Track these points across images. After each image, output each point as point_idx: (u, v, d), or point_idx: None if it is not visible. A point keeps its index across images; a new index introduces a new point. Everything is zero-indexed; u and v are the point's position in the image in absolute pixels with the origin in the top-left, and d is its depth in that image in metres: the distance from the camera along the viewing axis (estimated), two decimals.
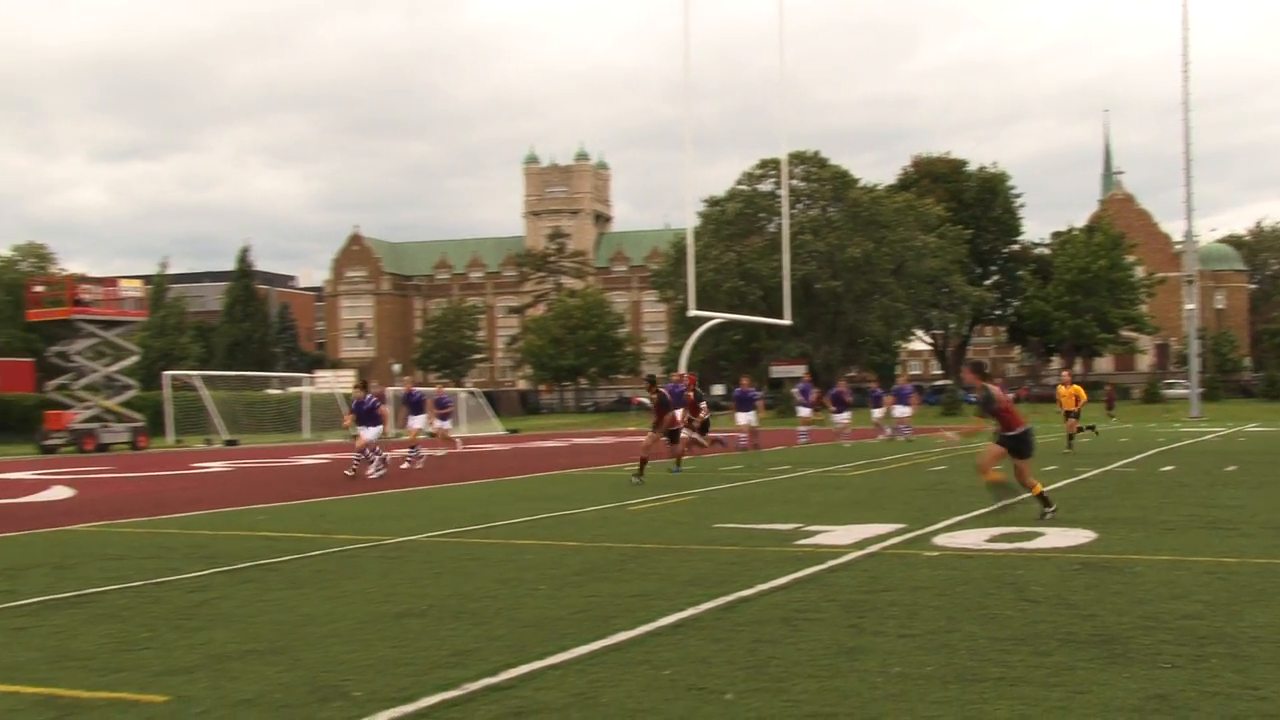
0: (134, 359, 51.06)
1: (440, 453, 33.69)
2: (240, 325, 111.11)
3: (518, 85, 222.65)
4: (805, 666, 6.80)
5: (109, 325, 49.09)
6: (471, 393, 71.73)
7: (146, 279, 67.34)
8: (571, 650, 7.29)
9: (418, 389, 30.61)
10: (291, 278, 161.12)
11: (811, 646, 7.32)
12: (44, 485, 25.30)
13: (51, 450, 44.52)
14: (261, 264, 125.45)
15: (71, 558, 12.42)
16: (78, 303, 47.90)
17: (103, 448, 45.28)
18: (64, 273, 78.83)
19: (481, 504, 18.03)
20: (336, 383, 63.62)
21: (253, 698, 6.33)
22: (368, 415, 24.78)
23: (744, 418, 34.11)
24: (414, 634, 7.96)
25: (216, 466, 31.51)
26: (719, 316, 37.95)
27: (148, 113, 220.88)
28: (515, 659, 7.07)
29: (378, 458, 24.60)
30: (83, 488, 24.22)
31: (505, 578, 10.39)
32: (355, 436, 25.36)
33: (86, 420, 46.73)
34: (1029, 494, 14.22)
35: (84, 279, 53.03)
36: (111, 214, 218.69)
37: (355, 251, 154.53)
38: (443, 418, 31.84)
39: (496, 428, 65.98)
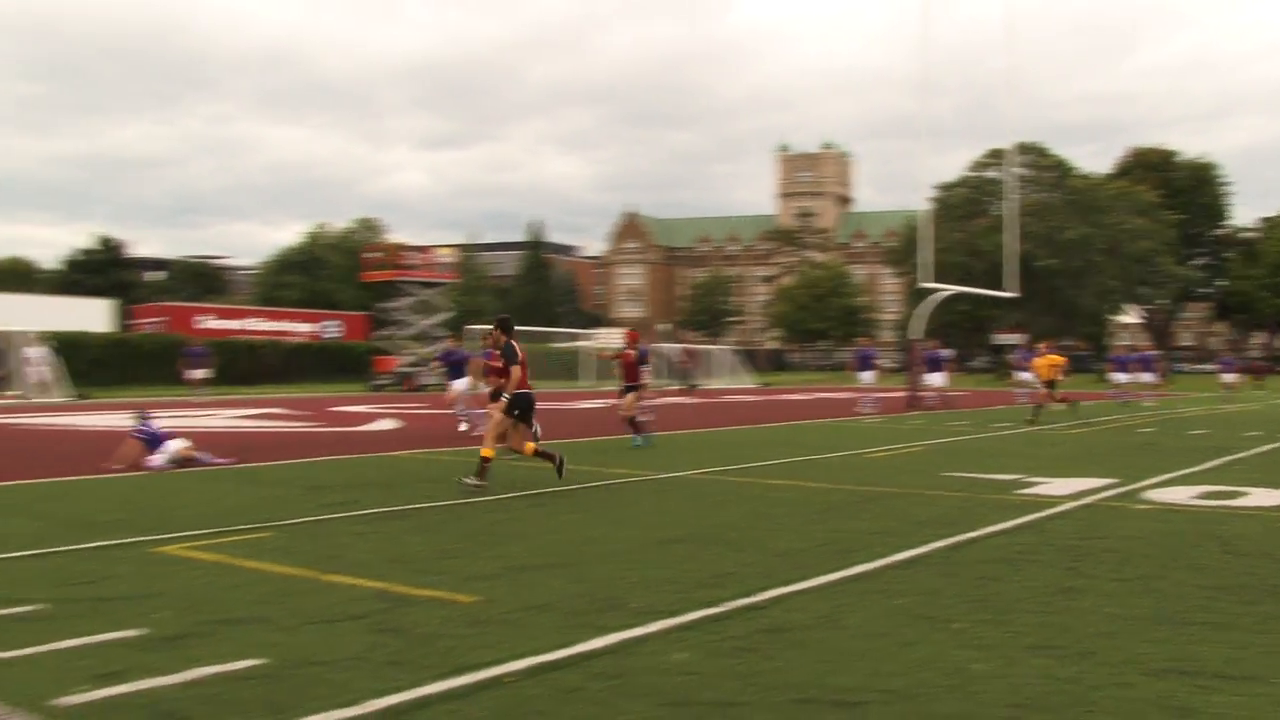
0: (445, 314, 53.05)
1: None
2: (531, 288, 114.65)
3: (775, 82, 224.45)
4: (1026, 603, 6.56)
5: (426, 286, 51.12)
6: (727, 350, 72.31)
7: (457, 247, 69.84)
8: (816, 578, 7.23)
9: (645, 346, 27.68)
10: (575, 248, 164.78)
11: (1032, 585, 7.05)
12: (374, 418, 26.64)
13: (379, 389, 46.78)
14: (551, 236, 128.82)
15: (400, 478, 13.01)
16: (402, 267, 50.06)
17: (420, 388, 47.32)
18: (392, 242, 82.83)
19: (737, 448, 17.98)
20: (611, 340, 64.75)
21: (545, 603, 6.51)
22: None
23: (934, 379, 32.69)
24: (679, 557, 8.02)
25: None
26: (948, 289, 36.70)
27: (461, 108, 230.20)
28: (767, 583, 7.05)
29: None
30: (405, 421, 25.43)
31: (758, 512, 10.37)
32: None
33: (408, 365, 48.86)
34: None
35: (407, 247, 55.19)
36: (429, 193, 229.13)
37: (629, 226, 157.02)
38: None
39: (749, 381, 66.30)
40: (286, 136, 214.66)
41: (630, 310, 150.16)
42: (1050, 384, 26.25)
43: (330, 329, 62.29)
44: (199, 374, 33.03)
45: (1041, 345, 28.25)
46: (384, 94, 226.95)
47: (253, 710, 4.58)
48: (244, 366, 49.67)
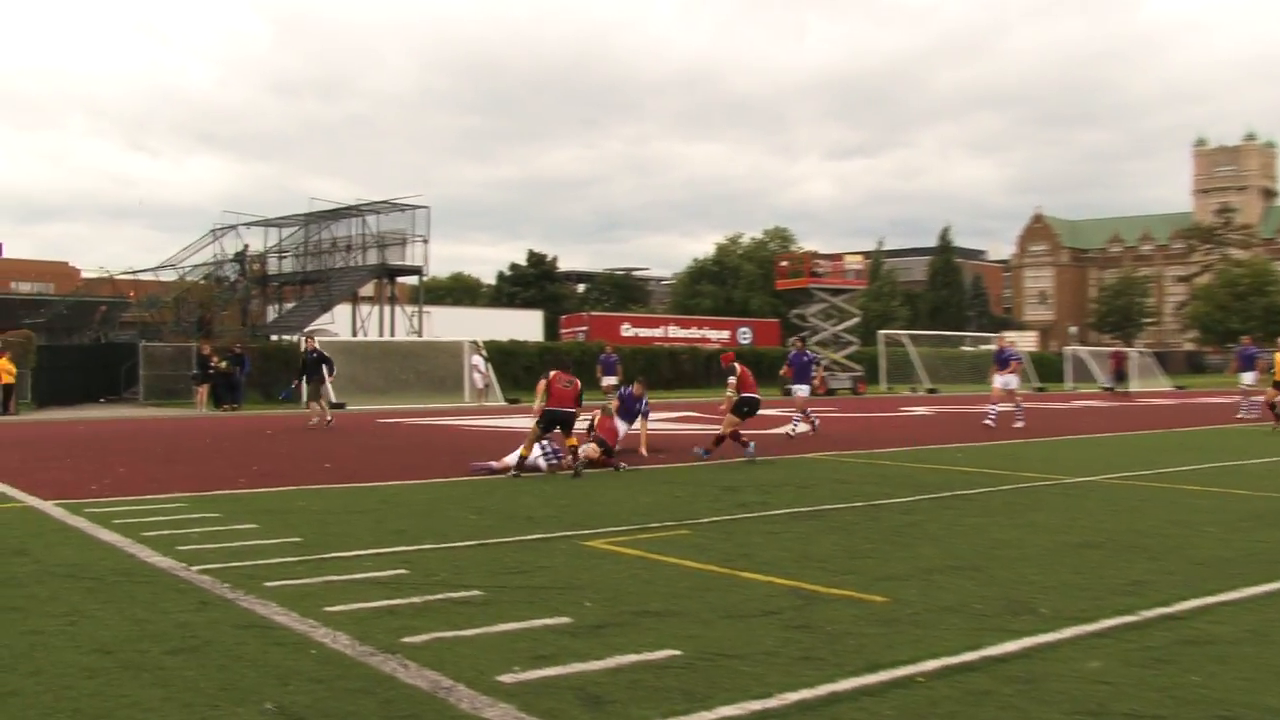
0: (855, 320, 52.82)
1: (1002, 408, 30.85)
2: (940, 292, 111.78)
3: (1189, 75, 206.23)
4: None
5: (836, 293, 51.18)
6: (1141, 352, 66.87)
7: (866, 254, 69.48)
8: (1243, 589, 6.62)
9: (1009, 348, 26.20)
10: (982, 252, 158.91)
11: None
12: (786, 420, 27.07)
13: (789, 393, 47.42)
14: (958, 240, 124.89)
15: (810, 479, 13.18)
16: (813, 274, 50.35)
17: (831, 392, 47.47)
18: (802, 250, 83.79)
19: (1151, 452, 16.87)
20: (1021, 342, 61.83)
21: (954, 605, 6.34)
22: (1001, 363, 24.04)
23: (1248, 377, 28.17)
24: (1093, 563, 7.59)
25: (920, 410, 31.95)
26: None
27: (869, 117, 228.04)
28: (1187, 592, 6.54)
29: (1001, 411, 23.14)
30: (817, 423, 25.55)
31: (1175, 519, 9.60)
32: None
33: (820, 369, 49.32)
34: None
35: (817, 255, 55.72)
36: (838, 202, 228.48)
37: (1037, 229, 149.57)
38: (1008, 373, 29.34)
39: (1165, 384, 61.03)
40: (702, 153, 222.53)
41: (1039, 314, 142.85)
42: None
43: (743, 335, 63.99)
44: (609, 381, 35.14)
45: None
46: (794, 107, 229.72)
47: (671, 697, 4.76)
48: (664, 372, 52.10)
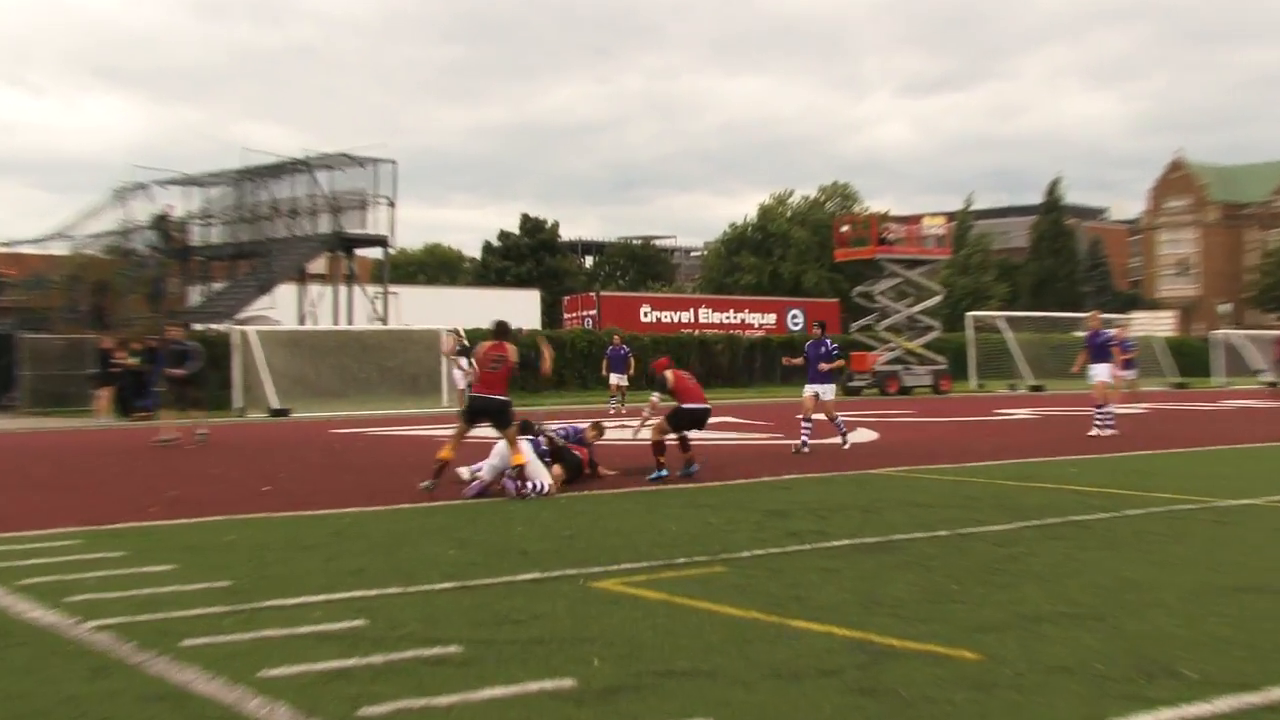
0: (937, 299, 52.75)
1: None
2: (1046, 262, 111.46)
3: None
4: None
5: (912, 264, 51.14)
6: None
7: (950, 215, 69.30)
8: None
9: (1105, 330, 25.51)
10: (1102, 210, 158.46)
11: None
12: (848, 427, 27.04)
13: (855, 392, 47.44)
14: (1070, 197, 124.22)
15: (878, 502, 13.13)
16: (882, 242, 50.30)
17: (905, 390, 47.49)
18: (868, 212, 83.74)
19: None
20: (1155, 325, 61.60)
21: (1069, 665, 6.26)
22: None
23: None
24: (1255, 612, 7.50)
25: (1021, 413, 31.83)
26: None
27: (956, 41, 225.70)
28: None
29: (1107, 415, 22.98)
30: (886, 430, 25.55)
31: None
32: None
33: (889, 362, 49.16)
34: None
35: (888, 217, 55.67)
36: (916, 149, 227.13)
37: (1176, 179, 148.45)
38: (1126, 365, 29.33)
39: None
40: (741, 89, 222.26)
41: (1177, 288, 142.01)
42: None
43: (792, 320, 64.02)
44: (617, 380, 35.25)
45: None
46: (860, 31, 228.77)
47: None
48: (694, 367, 52.12)
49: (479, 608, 7.80)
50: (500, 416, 14.51)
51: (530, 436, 15.12)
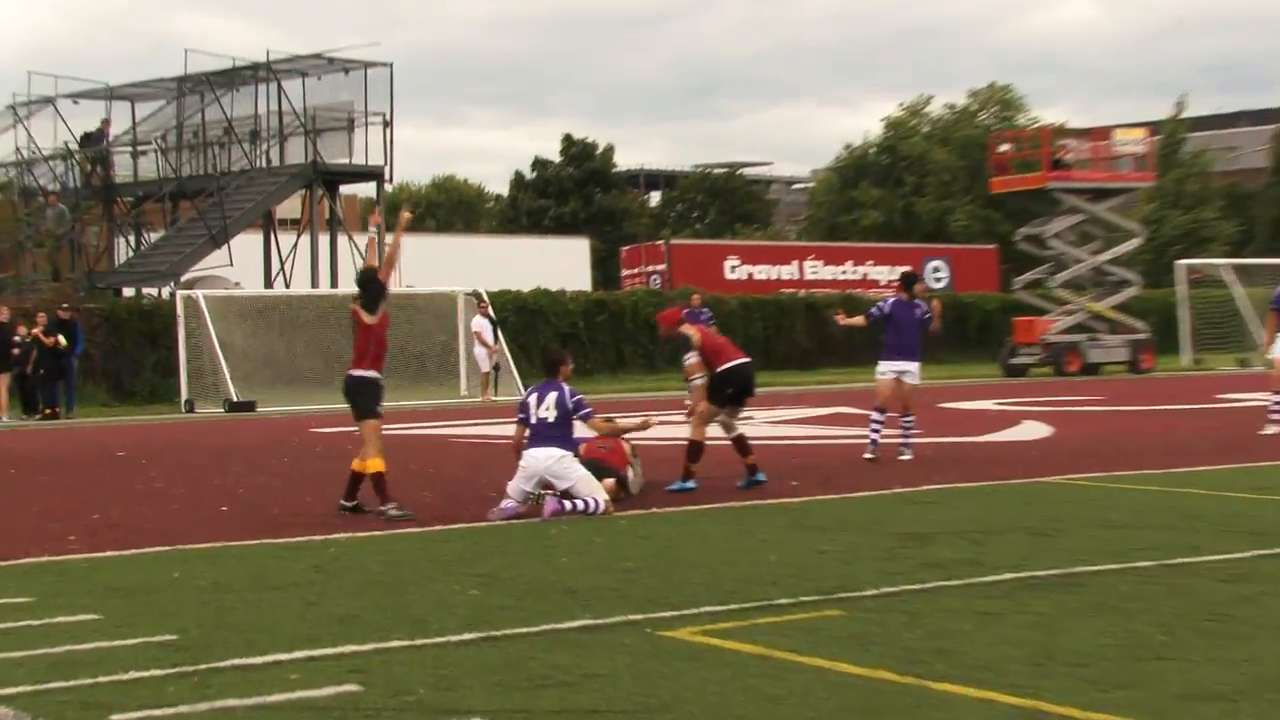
0: (1135, 243, 52.28)
1: None
2: None
3: None
4: None
5: (1099, 195, 50.66)
6: None
7: (1153, 127, 68.27)
8: None
9: None
10: None
11: None
12: (1011, 419, 26.87)
13: (1020, 371, 47.09)
14: None
15: (1051, 521, 13.09)
16: (1056, 165, 49.83)
17: (1090, 369, 47.14)
18: (1037, 125, 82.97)
19: None
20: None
21: None
22: None
23: None
24: None
25: (1256, 398, 31.48)
26: None
27: None
28: None
29: None
30: (1063, 424, 25.36)
31: None
32: None
33: (1067, 330, 48.75)
34: None
35: (1064, 131, 55.14)
36: (1104, 37, 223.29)
37: None
38: None
39: None
40: None
41: None
42: None
43: (933, 274, 63.73)
44: (692, 360, 34.06)
45: None
46: None
47: None
48: (799, 339, 51.98)
49: (509, 667, 7.81)
50: None
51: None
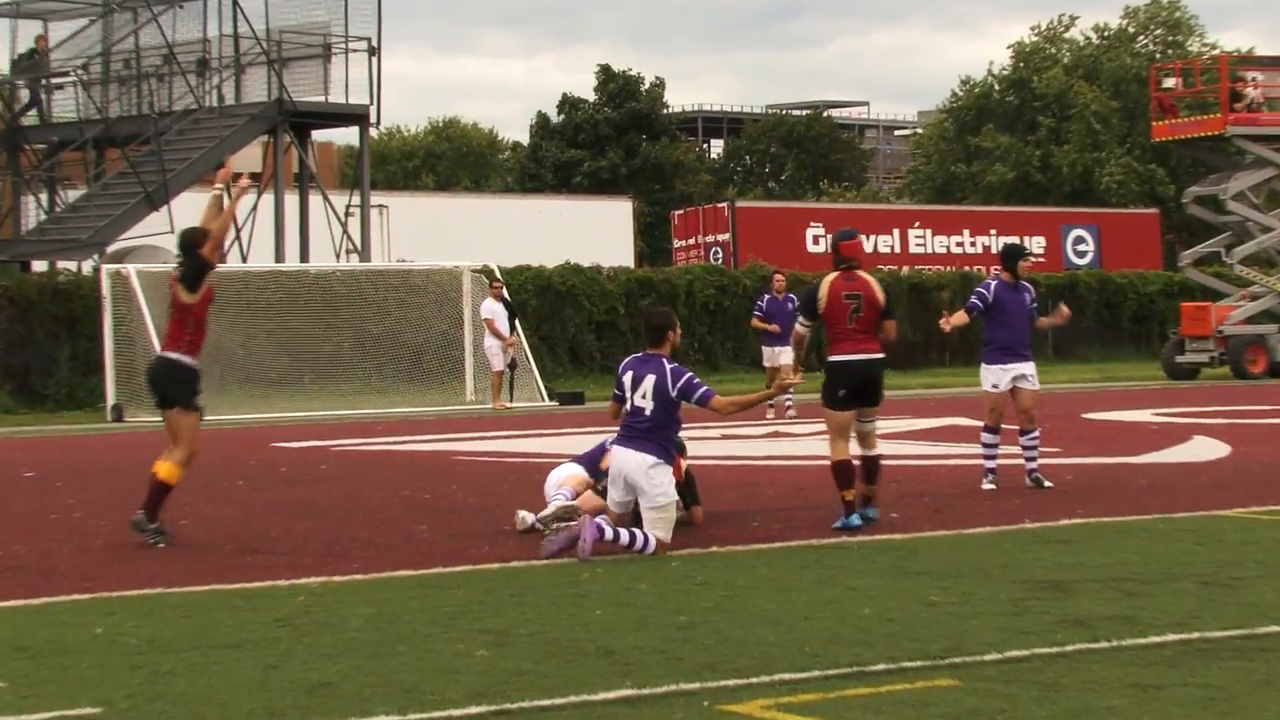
0: None
1: None
2: None
3: None
4: None
5: None
6: None
7: None
8: None
9: None
10: None
11: None
12: (1176, 435, 26.73)
13: (1189, 373, 46.75)
14: None
15: (1228, 567, 13.04)
16: (1237, 104, 49.60)
17: (1276, 369, 46.78)
18: (1212, 53, 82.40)
19: None
20: None
21: None
22: None
23: None
24: None
25: None
26: None
27: None
28: None
29: None
30: (1244, 441, 25.20)
31: None
32: None
33: (1251, 320, 48.31)
34: None
35: (1249, 60, 54.64)
36: None
37: None
38: None
39: None
40: None
41: None
42: None
43: (1076, 246, 63.41)
44: (778, 354, 32.95)
45: None
46: None
47: None
48: (902, 324, 51.80)
49: None
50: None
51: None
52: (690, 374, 14.63)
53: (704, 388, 14.60)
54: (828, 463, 15.90)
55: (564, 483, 15.71)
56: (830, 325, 15.91)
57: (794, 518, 16.08)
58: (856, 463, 15.84)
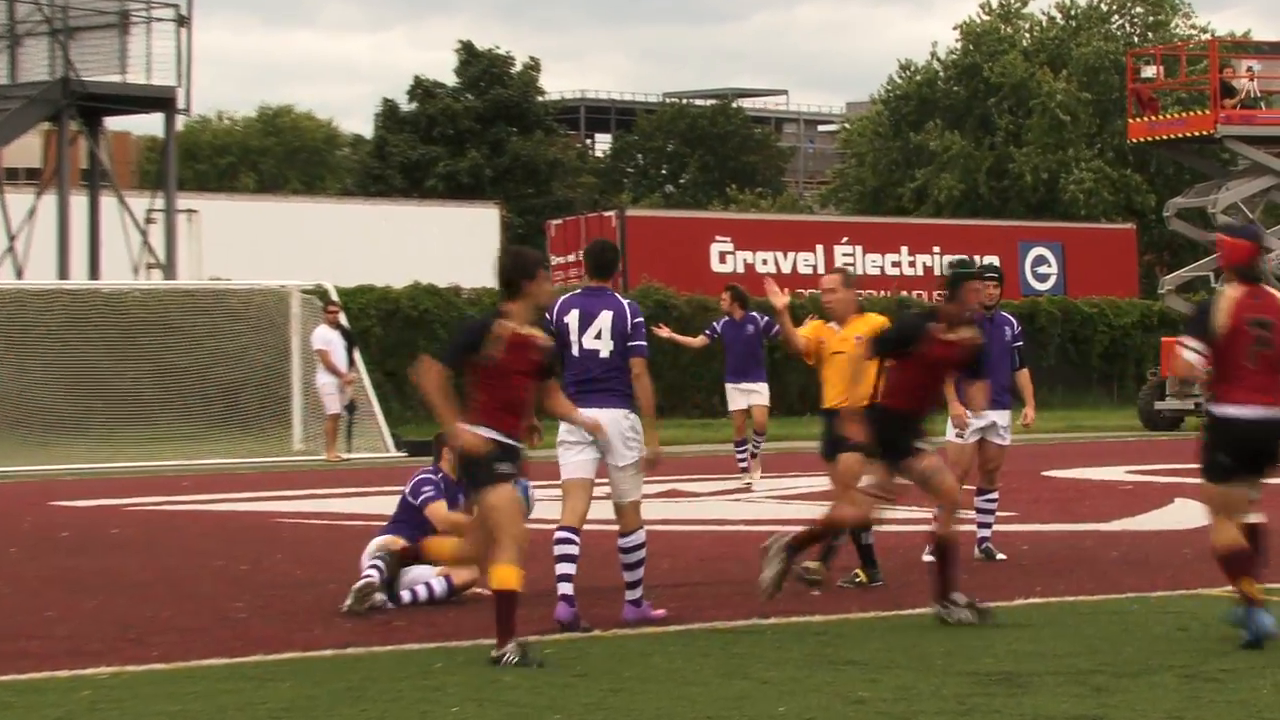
0: None
1: None
2: None
3: None
4: None
5: None
6: None
7: None
8: None
9: None
10: None
11: None
12: (1154, 497, 27.04)
13: (1171, 423, 47.26)
14: None
15: (1215, 657, 13.13)
16: (1227, 97, 50.03)
17: None
18: (1200, 36, 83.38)
19: None
20: None
21: None
22: None
23: None
24: None
25: None
26: None
27: None
28: None
29: None
30: None
31: None
32: None
33: None
34: None
35: (1242, 46, 55.28)
36: None
37: None
38: None
39: None
40: None
41: None
42: None
43: (1036, 268, 63.96)
44: (745, 392, 31.89)
45: None
46: None
47: None
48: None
49: None
50: None
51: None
52: (642, 318, 14.82)
53: (645, 342, 14.69)
54: (733, 528, 16.00)
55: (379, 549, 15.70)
56: (1223, 360, 13.95)
57: (695, 594, 16.11)
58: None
